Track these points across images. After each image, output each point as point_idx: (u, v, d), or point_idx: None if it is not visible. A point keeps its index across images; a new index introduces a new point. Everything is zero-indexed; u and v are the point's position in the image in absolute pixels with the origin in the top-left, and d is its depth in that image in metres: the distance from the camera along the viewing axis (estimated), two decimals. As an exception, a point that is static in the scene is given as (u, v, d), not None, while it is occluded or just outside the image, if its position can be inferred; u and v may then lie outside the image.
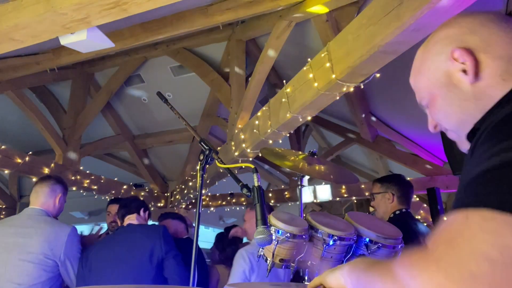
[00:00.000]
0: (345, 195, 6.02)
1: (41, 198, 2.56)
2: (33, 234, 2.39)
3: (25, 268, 2.30)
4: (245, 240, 3.91)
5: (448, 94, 0.81)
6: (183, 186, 6.21)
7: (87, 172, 5.60)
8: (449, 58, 0.79)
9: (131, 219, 2.65)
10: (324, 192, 5.73)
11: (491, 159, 0.54)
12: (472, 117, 0.78)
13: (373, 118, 5.23)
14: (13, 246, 2.35)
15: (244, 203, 6.84)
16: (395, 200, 2.57)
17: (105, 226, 3.30)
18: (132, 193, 6.22)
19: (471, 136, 0.79)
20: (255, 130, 3.72)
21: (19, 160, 4.60)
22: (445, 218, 0.55)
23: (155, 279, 2.36)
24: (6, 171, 4.68)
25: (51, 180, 2.67)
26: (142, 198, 6.46)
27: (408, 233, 1.85)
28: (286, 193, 6.53)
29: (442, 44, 0.83)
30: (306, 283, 1.68)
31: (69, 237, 2.44)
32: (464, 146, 0.85)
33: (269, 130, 3.45)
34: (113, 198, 3.55)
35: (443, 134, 2.89)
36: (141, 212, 2.72)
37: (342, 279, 0.76)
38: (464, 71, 0.77)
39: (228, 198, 6.73)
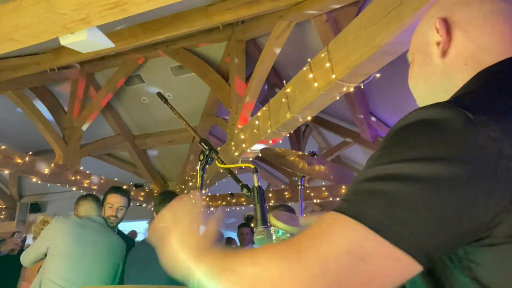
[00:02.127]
0: (345, 195, 6.02)
1: None
2: None
3: None
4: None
5: (423, 62, 0.80)
6: (183, 186, 6.21)
7: (87, 172, 5.60)
8: (433, 26, 0.77)
9: None
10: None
11: (368, 170, 0.59)
12: (435, 94, 0.77)
13: (373, 119, 5.23)
14: None
15: (244, 203, 6.84)
16: None
17: None
18: (132, 193, 6.22)
19: None
20: (255, 130, 3.72)
21: (19, 160, 4.60)
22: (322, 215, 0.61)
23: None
24: (6, 171, 4.68)
25: None
26: (142, 199, 6.48)
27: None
28: (286, 193, 6.53)
29: (436, 9, 0.80)
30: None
31: None
32: None
33: (269, 130, 3.45)
34: (113, 186, 3.11)
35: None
36: None
37: (183, 254, 0.72)
38: (438, 44, 0.76)
39: (228, 198, 6.73)
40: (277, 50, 3.84)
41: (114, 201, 2.93)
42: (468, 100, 0.62)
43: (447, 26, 0.75)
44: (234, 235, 5.57)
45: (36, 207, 8.24)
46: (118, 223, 2.96)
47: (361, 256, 0.53)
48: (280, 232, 1.60)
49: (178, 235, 0.77)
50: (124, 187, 6.10)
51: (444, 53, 0.75)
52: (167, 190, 5.90)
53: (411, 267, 0.54)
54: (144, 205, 6.75)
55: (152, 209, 6.38)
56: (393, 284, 0.55)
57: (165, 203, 2.67)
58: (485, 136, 0.54)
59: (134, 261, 2.57)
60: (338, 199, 6.25)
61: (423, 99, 0.82)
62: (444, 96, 0.72)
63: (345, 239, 0.55)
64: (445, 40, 0.75)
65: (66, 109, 5.76)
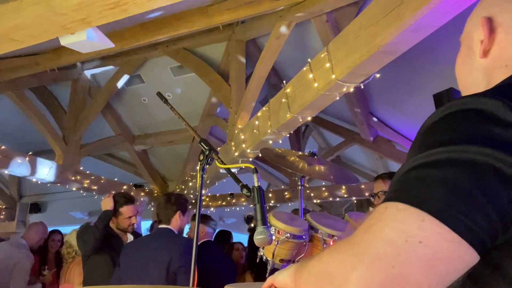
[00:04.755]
0: (345, 195, 6.02)
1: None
2: None
3: None
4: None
5: (467, 56, 0.80)
6: (183, 187, 6.21)
7: (87, 172, 5.60)
8: (479, 22, 0.76)
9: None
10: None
11: (412, 159, 0.59)
12: (476, 87, 0.77)
13: (374, 119, 5.23)
14: None
15: (244, 204, 6.84)
16: None
17: None
18: (132, 193, 6.22)
19: None
20: (255, 131, 3.72)
21: (19, 161, 4.60)
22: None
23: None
24: (6, 171, 4.68)
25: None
26: (142, 199, 6.48)
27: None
28: (286, 193, 6.53)
29: (484, 4, 0.79)
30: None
31: None
32: None
33: (269, 131, 3.45)
34: (124, 197, 3.22)
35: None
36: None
37: (288, 279, 0.77)
38: (481, 42, 0.75)
39: (228, 198, 6.73)
40: (277, 50, 3.84)
41: (132, 212, 3.11)
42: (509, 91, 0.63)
43: (491, 26, 0.75)
44: (234, 235, 5.56)
45: (36, 207, 8.24)
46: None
47: (420, 239, 0.52)
48: (280, 232, 1.60)
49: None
50: (124, 187, 6.12)
51: (485, 53, 0.75)
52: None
53: (469, 255, 0.53)
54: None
55: (151, 209, 6.40)
56: (455, 271, 0.54)
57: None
58: None
59: (126, 256, 2.66)
60: (338, 199, 6.25)
61: (465, 87, 0.83)
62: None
63: (399, 223, 0.54)
64: (487, 41, 0.74)
65: (66, 109, 5.76)
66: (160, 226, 2.72)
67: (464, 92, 0.82)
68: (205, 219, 3.67)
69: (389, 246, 0.53)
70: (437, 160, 0.56)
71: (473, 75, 0.78)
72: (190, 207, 3.04)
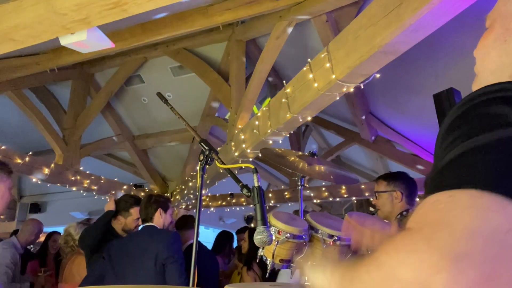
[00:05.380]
0: (345, 195, 6.02)
1: None
2: None
3: None
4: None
5: (501, 37, 0.73)
6: (183, 187, 6.21)
7: (87, 172, 5.60)
8: None
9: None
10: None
11: (466, 143, 0.53)
12: (499, 74, 0.72)
13: (373, 118, 5.23)
14: None
15: (244, 204, 6.84)
16: (404, 200, 2.39)
17: None
18: (132, 193, 6.22)
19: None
20: (255, 131, 3.72)
21: (19, 160, 4.60)
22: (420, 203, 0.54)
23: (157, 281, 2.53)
24: (6, 172, 4.67)
25: None
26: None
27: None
28: (286, 193, 6.53)
29: None
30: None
31: None
32: (475, 86, 0.79)
33: (269, 131, 3.45)
34: (135, 198, 3.32)
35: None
36: None
37: (326, 280, 0.70)
38: None
39: (228, 198, 6.73)
40: (277, 50, 3.84)
41: (138, 214, 3.13)
42: None
43: None
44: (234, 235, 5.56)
45: (36, 207, 8.25)
46: None
47: (507, 227, 0.45)
48: (280, 232, 1.60)
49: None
50: (124, 187, 6.12)
51: None
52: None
53: None
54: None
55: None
56: None
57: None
58: None
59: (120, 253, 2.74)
60: (338, 199, 6.25)
61: (486, 74, 0.76)
62: (503, 80, 0.66)
63: (480, 211, 0.47)
64: None
65: (66, 109, 5.76)
66: (144, 224, 2.85)
67: (484, 76, 0.76)
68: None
69: (474, 238, 0.45)
70: (500, 139, 0.51)
71: (502, 60, 0.72)
72: (171, 205, 3.16)
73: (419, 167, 5.19)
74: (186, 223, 3.57)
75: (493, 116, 0.54)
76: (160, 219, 2.85)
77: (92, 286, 2.66)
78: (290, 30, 3.68)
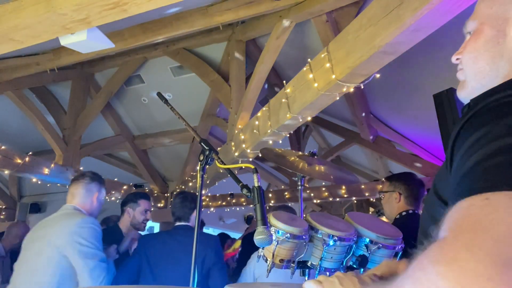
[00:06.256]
0: (345, 195, 6.02)
1: (77, 198, 2.61)
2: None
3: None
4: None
5: (493, 39, 0.73)
6: (183, 187, 6.21)
7: (87, 172, 5.59)
8: None
9: None
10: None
11: (489, 145, 0.52)
12: (494, 76, 0.72)
13: (373, 119, 5.23)
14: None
15: (244, 204, 6.84)
16: (402, 200, 2.41)
17: None
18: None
19: (464, 108, 0.75)
20: (255, 131, 3.72)
21: (19, 161, 4.60)
22: (453, 208, 0.50)
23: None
24: (6, 172, 4.68)
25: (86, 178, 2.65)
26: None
27: (413, 238, 1.82)
28: (286, 193, 6.53)
29: None
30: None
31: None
32: (463, 92, 0.80)
33: (269, 131, 3.45)
34: (143, 193, 3.28)
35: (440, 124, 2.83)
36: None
37: None
38: None
39: (228, 198, 6.73)
40: (277, 50, 3.84)
41: (148, 206, 3.12)
42: None
43: None
44: (234, 235, 5.57)
45: (36, 207, 8.23)
46: None
47: None
48: (280, 232, 1.60)
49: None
50: (124, 187, 6.12)
51: None
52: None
53: None
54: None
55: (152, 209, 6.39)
56: None
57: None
58: None
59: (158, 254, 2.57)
60: (338, 199, 6.24)
61: (478, 78, 0.76)
62: (497, 81, 0.67)
63: None
64: None
65: (66, 109, 5.76)
66: (179, 223, 2.71)
67: (475, 79, 0.76)
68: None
69: None
70: None
71: (496, 62, 0.72)
72: None
73: (418, 165, 5.19)
74: None
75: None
76: (193, 220, 2.74)
77: (94, 286, 2.60)
78: (290, 29, 3.68)
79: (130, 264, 2.61)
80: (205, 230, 8.81)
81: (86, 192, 2.58)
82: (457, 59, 0.85)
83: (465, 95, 0.79)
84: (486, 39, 0.74)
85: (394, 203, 2.43)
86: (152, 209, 3.25)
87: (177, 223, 2.72)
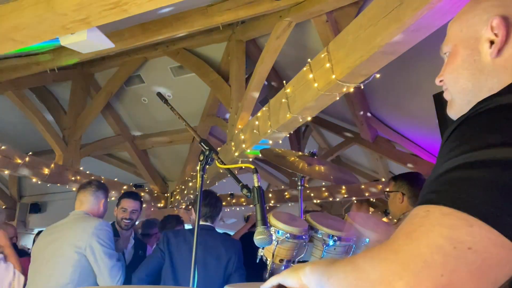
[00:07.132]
0: (345, 195, 6.02)
1: (85, 204, 2.70)
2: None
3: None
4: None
5: (469, 58, 0.77)
6: (183, 187, 6.21)
7: (87, 172, 5.59)
8: (488, 23, 0.74)
9: None
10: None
11: (452, 160, 0.56)
12: (478, 91, 0.75)
13: (373, 118, 5.23)
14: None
15: (244, 204, 6.84)
16: (405, 201, 2.40)
17: None
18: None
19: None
20: (255, 131, 3.72)
21: (19, 160, 4.60)
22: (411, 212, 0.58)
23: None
24: (6, 172, 4.68)
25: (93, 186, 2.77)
26: (142, 199, 6.47)
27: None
28: (286, 193, 6.53)
29: (493, 3, 0.76)
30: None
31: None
32: (452, 111, 0.84)
33: (269, 131, 3.45)
34: (127, 191, 3.38)
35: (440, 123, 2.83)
36: None
37: (304, 279, 0.72)
38: (492, 43, 0.73)
39: (228, 198, 6.73)
40: (277, 50, 3.84)
41: (127, 205, 3.16)
42: None
43: (508, 25, 0.72)
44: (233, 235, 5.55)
45: (36, 207, 8.24)
46: (132, 225, 3.19)
47: (469, 245, 0.49)
48: (280, 232, 1.60)
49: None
50: (124, 187, 6.12)
51: (498, 53, 0.73)
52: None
53: None
54: (144, 205, 6.75)
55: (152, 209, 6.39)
56: (505, 277, 0.51)
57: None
58: None
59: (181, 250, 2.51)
60: (338, 199, 6.25)
61: (462, 95, 0.80)
62: (482, 95, 0.68)
63: (446, 229, 0.51)
64: (503, 40, 0.72)
65: (66, 109, 5.76)
66: (205, 223, 2.65)
67: (460, 97, 0.80)
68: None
69: (436, 253, 0.50)
70: (483, 161, 0.53)
71: (476, 78, 0.76)
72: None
73: (419, 167, 5.19)
74: (167, 223, 3.58)
75: (486, 134, 0.56)
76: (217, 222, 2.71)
77: (94, 287, 2.60)
78: (290, 30, 3.69)
79: (152, 261, 2.58)
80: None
81: (94, 199, 2.72)
82: (440, 81, 0.88)
83: (454, 113, 0.83)
84: (463, 59, 0.79)
85: (398, 204, 2.43)
86: (145, 206, 3.28)
87: (202, 223, 2.63)
